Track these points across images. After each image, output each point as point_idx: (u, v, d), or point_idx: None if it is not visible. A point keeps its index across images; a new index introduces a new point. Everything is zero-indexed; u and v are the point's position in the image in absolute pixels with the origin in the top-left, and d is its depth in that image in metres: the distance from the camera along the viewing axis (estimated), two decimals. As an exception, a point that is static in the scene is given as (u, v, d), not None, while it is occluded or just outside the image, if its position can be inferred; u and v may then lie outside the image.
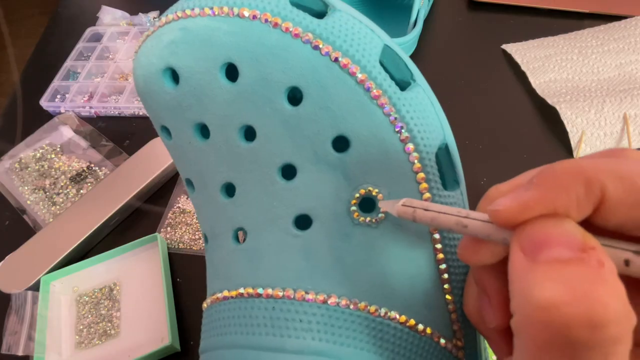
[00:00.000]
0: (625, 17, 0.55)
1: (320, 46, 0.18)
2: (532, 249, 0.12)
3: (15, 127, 0.53)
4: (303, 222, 0.19)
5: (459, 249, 0.16)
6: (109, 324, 0.39)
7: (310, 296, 0.18)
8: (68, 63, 0.57)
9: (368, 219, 0.19)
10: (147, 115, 0.22)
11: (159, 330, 0.37)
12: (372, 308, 0.18)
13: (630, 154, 0.14)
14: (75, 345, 0.38)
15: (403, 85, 0.19)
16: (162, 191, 0.47)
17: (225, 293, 0.20)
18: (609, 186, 0.13)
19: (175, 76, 0.20)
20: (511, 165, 0.45)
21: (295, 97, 0.19)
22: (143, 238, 0.41)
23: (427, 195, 0.19)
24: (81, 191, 0.47)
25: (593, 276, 0.11)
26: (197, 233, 0.44)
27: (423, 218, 0.16)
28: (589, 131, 0.45)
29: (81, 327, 0.39)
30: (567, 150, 0.46)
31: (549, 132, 0.48)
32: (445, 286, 0.19)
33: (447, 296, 0.20)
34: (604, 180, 0.13)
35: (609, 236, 0.13)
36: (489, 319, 0.16)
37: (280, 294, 0.19)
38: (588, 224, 0.13)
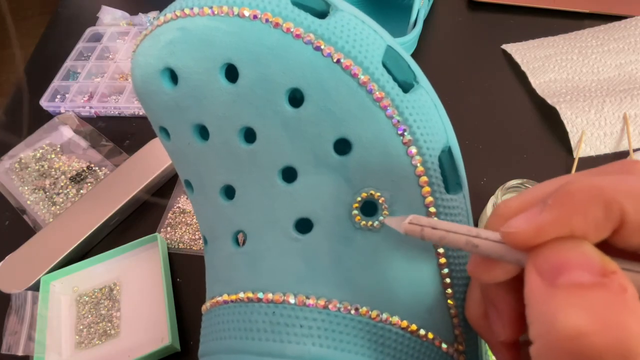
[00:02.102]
0: (625, 17, 0.55)
1: (322, 47, 0.17)
2: (550, 273, 0.12)
3: (18, 126, 0.53)
4: (304, 225, 0.19)
5: (469, 266, 0.15)
6: (109, 324, 0.39)
7: (310, 301, 0.18)
8: (68, 63, 0.57)
9: (370, 223, 0.18)
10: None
11: (159, 330, 0.37)
12: (374, 313, 0.18)
13: None
14: (75, 345, 0.38)
15: (406, 87, 0.19)
16: (162, 191, 0.47)
17: (225, 297, 0.20)
18: (629, 209, 0.12)
19: (174, 76, 0.19)
20: (511, 165, 0.45)
21: (296, 98, 0.18)
22: (143, 238, 0.41)
23: (430, 199, 0.18)
24: (81, 191, 0.47)
25: (618, 303, 0.11)
26: (197, 233, 0.44)
27: (431, 237, 0.15)
28: (589, 131, 0.45)
29: (81, 327, 0.39)
30: (567, 150, 0.46)
31: (549, 132, 0.47)
32: (448, 291, 0.19)
33: (449, 301, 0.19)
34: (624, 202, 0.12)
35: (625, 258, 0.13)
36: (498, 332, 0.16)
37: (281, 298, 0.18)
38: (604, 244, 0.13)
